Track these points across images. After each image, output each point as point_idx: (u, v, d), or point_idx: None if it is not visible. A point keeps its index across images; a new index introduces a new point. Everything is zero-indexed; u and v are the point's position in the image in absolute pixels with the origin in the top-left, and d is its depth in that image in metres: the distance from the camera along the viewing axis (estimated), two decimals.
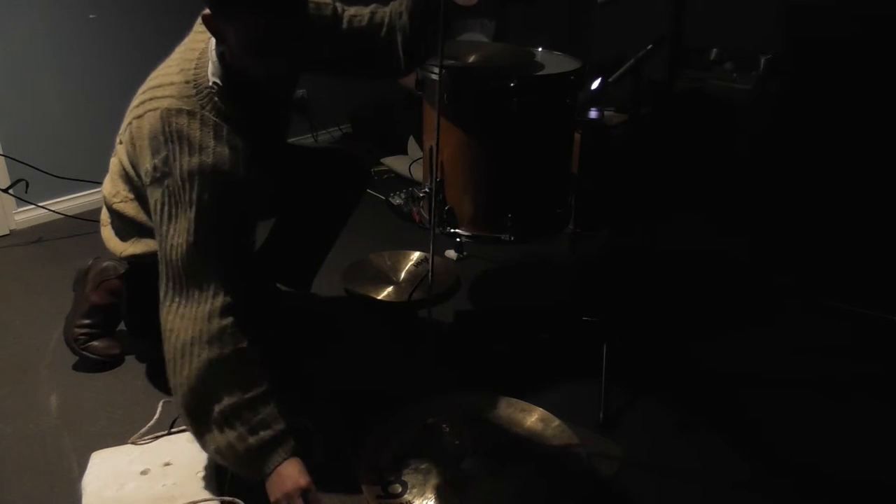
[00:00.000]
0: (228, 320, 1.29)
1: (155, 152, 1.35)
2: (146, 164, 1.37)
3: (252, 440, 1.25)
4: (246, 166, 1.41)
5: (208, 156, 1.34)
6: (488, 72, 1.78)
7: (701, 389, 1.77)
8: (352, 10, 1.63)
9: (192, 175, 1.32)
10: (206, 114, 1.37)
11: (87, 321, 1.81)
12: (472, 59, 1.84)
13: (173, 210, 1.33)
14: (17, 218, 2.64)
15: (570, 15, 3.38)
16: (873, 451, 1.58)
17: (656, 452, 1.56)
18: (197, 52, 1.44)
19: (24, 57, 2.53)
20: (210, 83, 1.39)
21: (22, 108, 2.56)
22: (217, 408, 1.25)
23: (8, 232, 2.62)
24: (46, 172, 2.63)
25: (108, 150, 1.68)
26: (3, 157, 2.55)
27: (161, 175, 1.34)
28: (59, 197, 2.72)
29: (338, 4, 1.63)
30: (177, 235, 1.31)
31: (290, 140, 1.94)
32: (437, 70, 1.77)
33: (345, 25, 1.61)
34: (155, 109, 1.37)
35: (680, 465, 1.53)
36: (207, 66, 1.41)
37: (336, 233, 2.00)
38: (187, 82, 1.39)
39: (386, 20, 1.61)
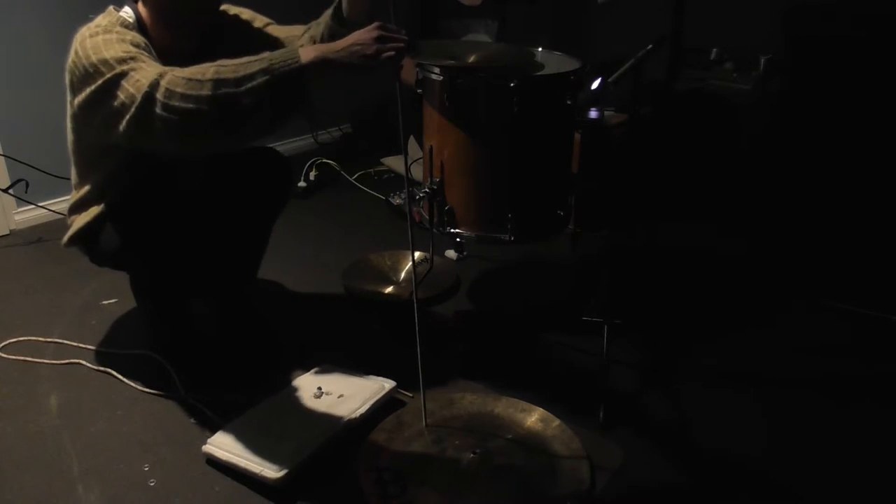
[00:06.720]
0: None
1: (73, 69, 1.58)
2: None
3: (270, 58, 1.34)
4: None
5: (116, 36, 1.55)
6: (488, 72, 1.78)
7: (701, 389, 1.77)
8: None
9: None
10: (120, 28, 1.58)
11: None
12: (472, 59, 1.84)
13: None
14: (17, 218, 2.64)
15: (570, 15, 3.38)
16: (873, 452, 1.57)
17: (656, 452, 1.56)
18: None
19: (24, 57, 2.53)
20: (125, 17, 1.63)
21: (22, 108, 2.56)
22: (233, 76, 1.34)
23: (8, 232, 2.62)
24: (46, 172, 2.63)
25: None
26: (3, 157, 2.55)
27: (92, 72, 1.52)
28: (59, 197, 2.72)
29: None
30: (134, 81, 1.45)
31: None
32: (437, 70, 1.78)
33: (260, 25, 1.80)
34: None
35: (680, 465, 1.53)
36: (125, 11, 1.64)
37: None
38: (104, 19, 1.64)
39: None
